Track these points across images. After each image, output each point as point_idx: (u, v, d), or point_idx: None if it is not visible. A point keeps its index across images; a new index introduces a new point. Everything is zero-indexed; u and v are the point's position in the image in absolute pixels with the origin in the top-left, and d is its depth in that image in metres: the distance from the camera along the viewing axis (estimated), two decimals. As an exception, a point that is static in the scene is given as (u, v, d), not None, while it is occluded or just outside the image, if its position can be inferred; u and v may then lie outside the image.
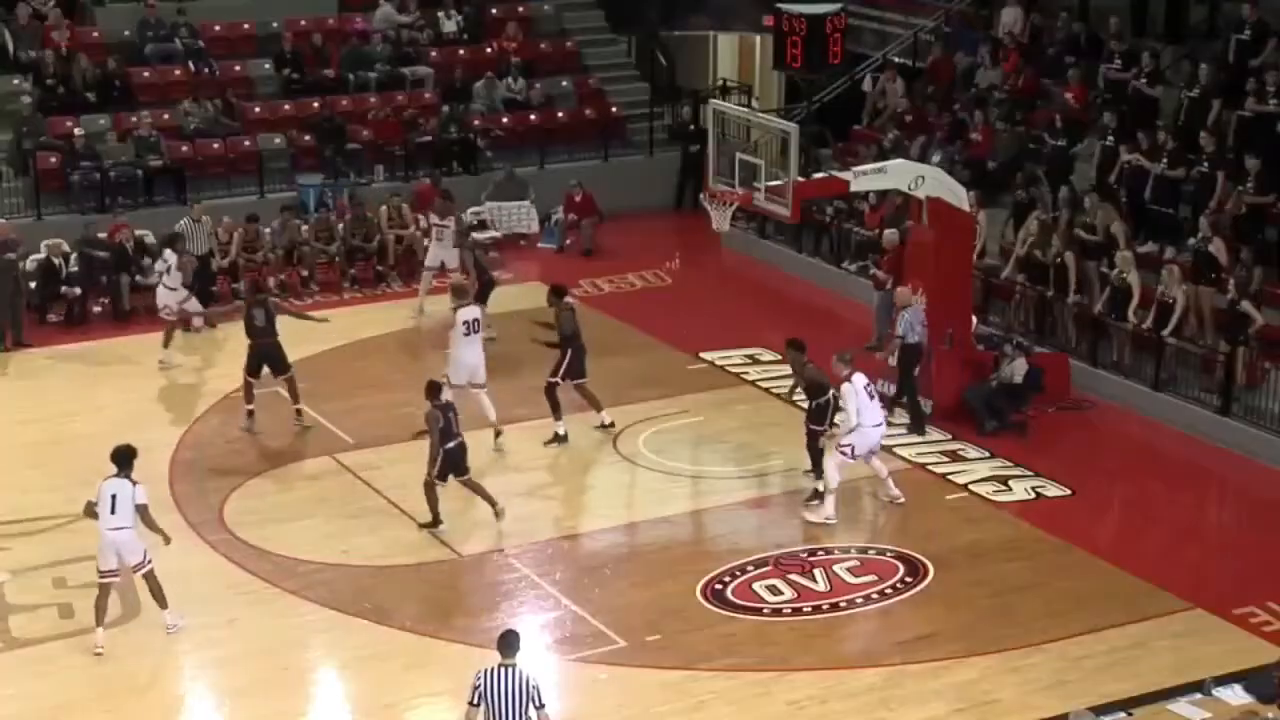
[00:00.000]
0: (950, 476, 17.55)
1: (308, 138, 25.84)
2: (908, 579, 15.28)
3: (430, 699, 13.44)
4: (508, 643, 11.00)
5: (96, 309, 22.33)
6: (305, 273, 23.45)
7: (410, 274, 23.70)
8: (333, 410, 18.81)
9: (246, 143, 25.48)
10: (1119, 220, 20.47)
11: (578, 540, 16.19)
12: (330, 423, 18.55)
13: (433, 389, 15.85)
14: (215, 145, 25.29)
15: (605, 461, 17.95)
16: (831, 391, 16.49)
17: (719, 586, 15.08)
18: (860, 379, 16.26)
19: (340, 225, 23.88)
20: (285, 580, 15.14)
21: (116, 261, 22.30)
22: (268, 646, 14.08)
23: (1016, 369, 18.64)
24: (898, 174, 19.39)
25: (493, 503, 16.06)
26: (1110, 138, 22.11)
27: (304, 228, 23.80)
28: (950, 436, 18.47)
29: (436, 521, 15.94)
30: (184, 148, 25.09)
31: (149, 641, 14.14)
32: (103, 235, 22.67)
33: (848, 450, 16.25)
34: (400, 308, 21.46)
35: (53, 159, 24.24)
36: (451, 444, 15.72)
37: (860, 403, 16.16)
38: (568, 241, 25.71)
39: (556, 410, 17.97)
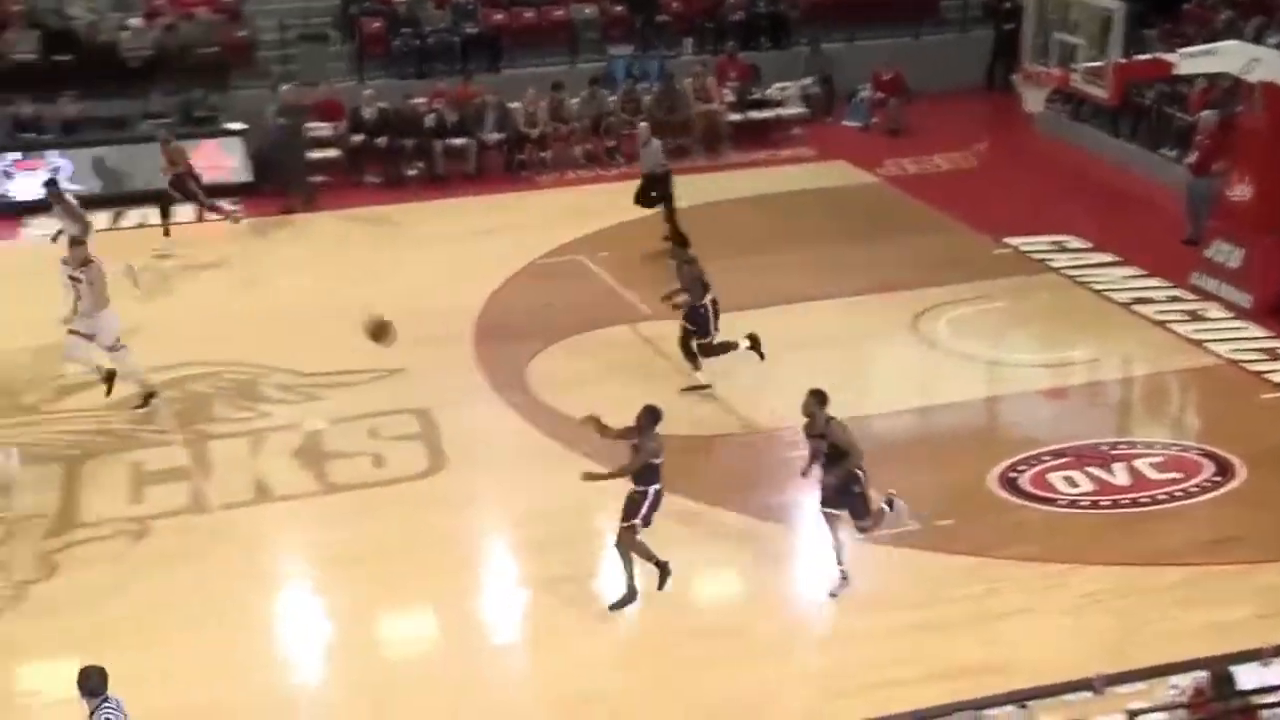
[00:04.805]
0: (1266, 375, 16.80)
1: (619, 8, 25.94)
2: (1216, 478, 14.72)
3: (708, 568, 13.54)
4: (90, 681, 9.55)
5: (411, 172, 22.98)
6: (612, 143, 23.74)
7: (710, 148, 23.78)
8: (634, 279, 19.01)
9: (559, 12, 25.72)
10: None
11: (868, 421, 15.98)
12: (630, 293, 18.78)
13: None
14: (528, 14, 25.62)
15: (902, 343, 17.72)
16: (709, 298, 16.01)
17: (1013, 475, 14.80)
18: None
19: (647, 98, 24.08)
20: (582, 444, 15.37)
21: (437, 127, 22.94)
22: (563, 506, 14.29)
23: None
24: (1229, 57, 18.41)
25: None
26: None
27: (611, 99, 24.04)
28: (1271, 334, 17.63)
29: None
30: (498, 15, 25.49)
31: (470, 489, 14.63)
32: (416, 100, 23.35)
33: None
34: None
35: (376, 24, 24.93)
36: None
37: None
38: (874, 120, 25.33)
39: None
